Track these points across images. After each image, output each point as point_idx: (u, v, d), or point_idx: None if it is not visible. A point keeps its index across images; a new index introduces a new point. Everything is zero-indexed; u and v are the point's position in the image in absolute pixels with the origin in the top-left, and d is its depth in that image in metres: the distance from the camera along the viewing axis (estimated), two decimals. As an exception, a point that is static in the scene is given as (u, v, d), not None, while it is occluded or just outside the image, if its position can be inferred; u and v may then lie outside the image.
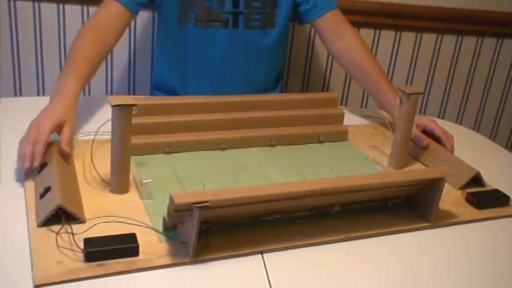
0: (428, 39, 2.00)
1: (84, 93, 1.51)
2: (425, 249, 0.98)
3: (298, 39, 1.93)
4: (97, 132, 1.08)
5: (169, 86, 1.54)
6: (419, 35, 1.99)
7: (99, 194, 1.00)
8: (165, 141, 1.16)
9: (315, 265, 0.90)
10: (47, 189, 0.93)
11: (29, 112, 1.07)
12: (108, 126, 0.98)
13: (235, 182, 1.09)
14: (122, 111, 0.95)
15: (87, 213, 0.92)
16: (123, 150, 0.98)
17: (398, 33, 1.97)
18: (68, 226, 0.87)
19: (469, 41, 2.04)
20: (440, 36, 2.01)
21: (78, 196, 0.97)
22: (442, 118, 2.03)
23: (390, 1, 1.91)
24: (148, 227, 0.90)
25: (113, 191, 1.00)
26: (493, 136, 2.23)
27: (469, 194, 1.11)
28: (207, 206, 0.82)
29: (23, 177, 1.01)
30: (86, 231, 0.87)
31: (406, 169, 1.22)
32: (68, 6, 1.79)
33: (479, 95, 2.15)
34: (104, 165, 1.03)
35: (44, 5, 1.78)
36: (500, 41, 2.06)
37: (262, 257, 0.89)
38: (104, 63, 1.44)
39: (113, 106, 0.94)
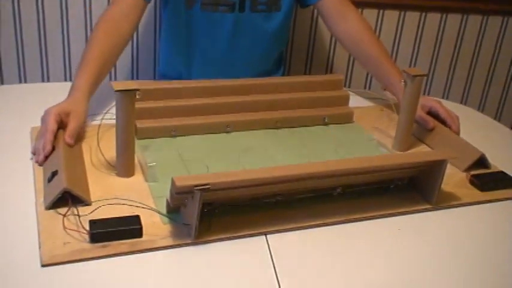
0: (433, 18, 1.99)
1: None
2: (427, 231, 0.98)
3: (301, 21, 1.92)
4: (103, 117, 1.11)
5: (175, 70, 1.54)
6: (423, 14, 1.97)
7: (105, 177, 1.01)
8: (171, 125, 1.17)
9: (317, 246, 0.91)
10: (54, 173, 0.94)
11: (35, 97, 1.09)
12: (114, 111, 0.99)
13: (240, 164, 1.10)
14: (125, 96, 0.96)
15: (93, 196, 0.94)
16: (128, 134, 0.99)
17: (402, 13, 1.96)
18: (74, 208, 0.89)
19: (474, 20, 2.02)
20: (444, 15, 1.99)
21: (84, 179, 0.99)
22: (447, 98, 2.02)
23: (394, -20, 1.89)
24: (152, 209, 0.91)
25: (119, 174, 1.02)
26: (498, 116, 2.22)
27: (472, 176, 1.12)
28: (208, 188, 0.83)
29: (32, 163, 1.03)
30: (91, 213, 0.89)
31: (410, 151, 1.22)
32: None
33: (484, 75, 2.14)
34: (111, 149, 1.04)
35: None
36: (506, 19, 2.04)
37: (266, 238, 0.91)
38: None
39: (116, 91, 0.96)
